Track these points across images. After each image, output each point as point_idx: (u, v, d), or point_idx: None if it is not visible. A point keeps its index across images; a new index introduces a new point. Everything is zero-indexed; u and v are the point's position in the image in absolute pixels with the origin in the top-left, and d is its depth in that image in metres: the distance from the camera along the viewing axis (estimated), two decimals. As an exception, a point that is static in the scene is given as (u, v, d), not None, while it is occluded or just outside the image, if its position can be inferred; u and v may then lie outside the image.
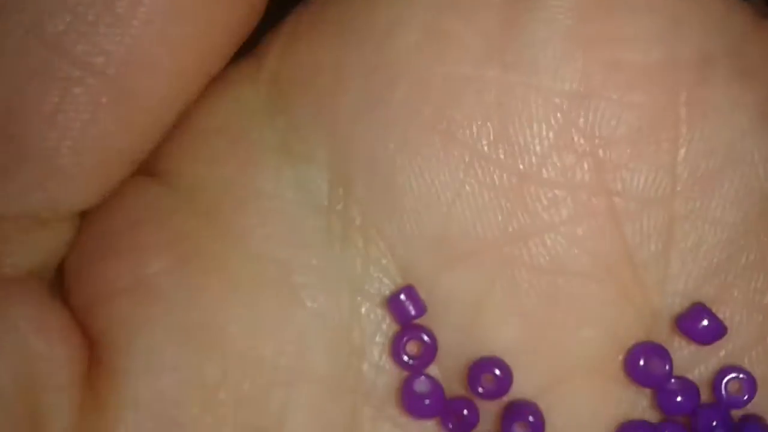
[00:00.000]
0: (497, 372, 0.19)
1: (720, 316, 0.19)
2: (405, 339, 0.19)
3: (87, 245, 0.20)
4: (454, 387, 0.19)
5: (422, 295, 0.19)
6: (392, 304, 0.19)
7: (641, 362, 0.19)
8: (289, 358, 0.18)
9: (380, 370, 0.19)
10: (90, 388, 0.18)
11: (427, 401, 0.19)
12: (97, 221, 0.20)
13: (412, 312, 0.19)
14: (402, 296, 0.19)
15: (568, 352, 0.19)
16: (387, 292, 0.19)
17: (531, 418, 0.19)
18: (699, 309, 0.19)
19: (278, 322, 0.18)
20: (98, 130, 0.18)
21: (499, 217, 0.19)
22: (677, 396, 0.19)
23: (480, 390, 0.19)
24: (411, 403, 0.19)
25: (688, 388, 0.19)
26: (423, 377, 0.19)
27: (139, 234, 0.19)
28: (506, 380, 0.19)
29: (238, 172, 0.19)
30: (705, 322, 0.19)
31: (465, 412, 0.19)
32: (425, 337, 0.19)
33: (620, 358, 0.19)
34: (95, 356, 0.19)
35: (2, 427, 0.18)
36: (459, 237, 0.19)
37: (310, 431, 0.19)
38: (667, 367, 0.19)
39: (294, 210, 0.19)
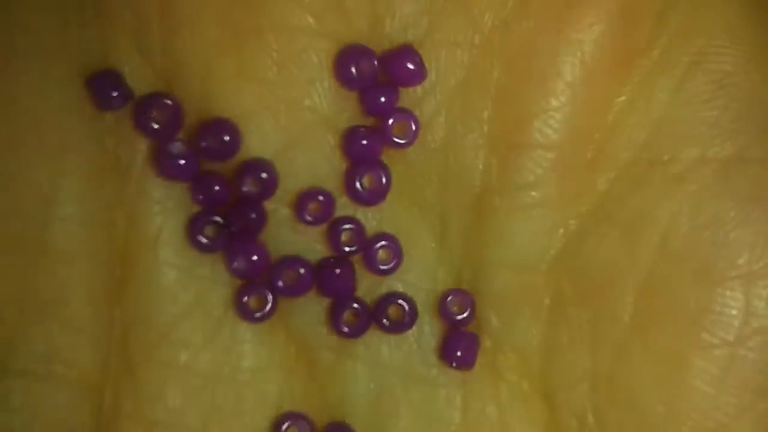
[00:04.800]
0: (225, 135, 0.19)
1: (425, 58, 0.18)
2: (148, 107, 0.19)
3: None
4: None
5: (158, 61, 0.19)
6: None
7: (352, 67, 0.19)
8: (47, 178, 0.19)
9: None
10: None
11: (181, 162, 0.19)
12: None
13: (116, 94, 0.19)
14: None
15: (301, 111, 0.19)
16: None
17: (264, 175, 0.19)
18: (404, 50, 0.18)
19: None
20: None
21: None
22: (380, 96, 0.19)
23: (206, 148, 0.19)
24: (165, 165, 0.19)
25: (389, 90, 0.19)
26: (177, 142, 0.19)
27: None
28: (234, 141, 0.19)
29: None
30: (409, 65, 0.18)
31: (216, 188, 0.19)
32: (168, 101, 0.19)
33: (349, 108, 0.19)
34: None
35: None
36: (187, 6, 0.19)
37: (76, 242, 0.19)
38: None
39: None
